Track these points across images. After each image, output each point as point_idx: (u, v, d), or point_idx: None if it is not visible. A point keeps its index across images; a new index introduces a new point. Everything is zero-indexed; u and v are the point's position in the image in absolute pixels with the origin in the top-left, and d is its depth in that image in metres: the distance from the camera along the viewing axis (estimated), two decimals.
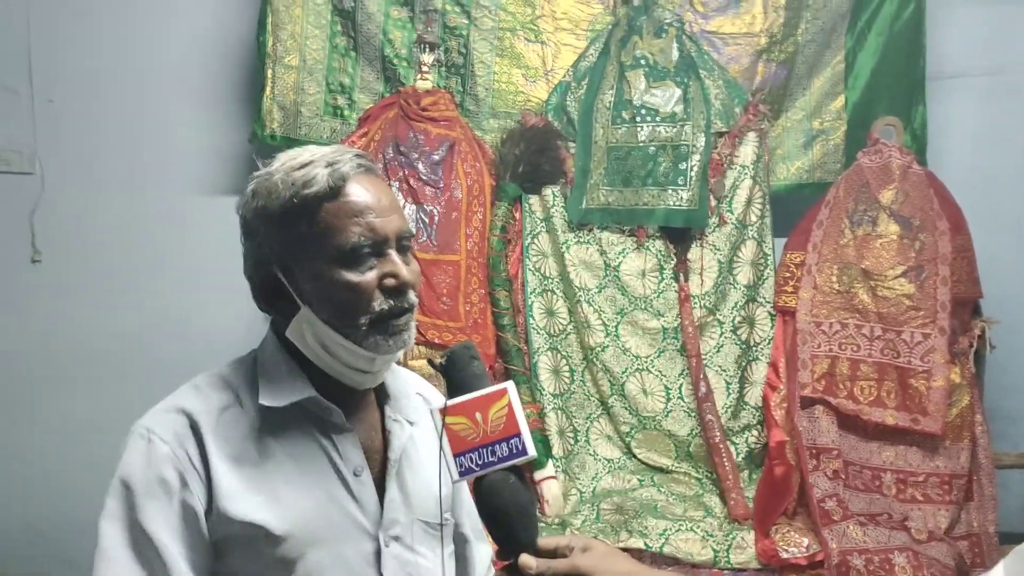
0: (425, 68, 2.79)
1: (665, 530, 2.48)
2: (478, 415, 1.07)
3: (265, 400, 1.14)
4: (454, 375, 1.11)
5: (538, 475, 2.61)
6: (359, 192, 1.13)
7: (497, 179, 2.78)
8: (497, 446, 1.06)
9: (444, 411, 1.07)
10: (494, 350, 2.73)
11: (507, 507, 1.06)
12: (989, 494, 2.60)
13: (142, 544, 1.07)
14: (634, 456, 2.75)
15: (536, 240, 2.82)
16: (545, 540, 1.09)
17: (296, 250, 1.13)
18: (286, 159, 1.16)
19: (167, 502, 1.08)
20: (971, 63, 3.04)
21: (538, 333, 2.78)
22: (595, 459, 2.74)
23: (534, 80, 2.91)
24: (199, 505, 1.09)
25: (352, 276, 1.11)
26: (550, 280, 2.81)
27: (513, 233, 2.80)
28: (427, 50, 2.81)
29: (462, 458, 1.06)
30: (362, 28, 2.85)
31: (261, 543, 1.10)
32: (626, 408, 2.75)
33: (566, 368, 2.79)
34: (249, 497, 1.10)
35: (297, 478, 1.13)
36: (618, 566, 1.10)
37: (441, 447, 1.07)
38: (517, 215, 2.81)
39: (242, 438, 1.13)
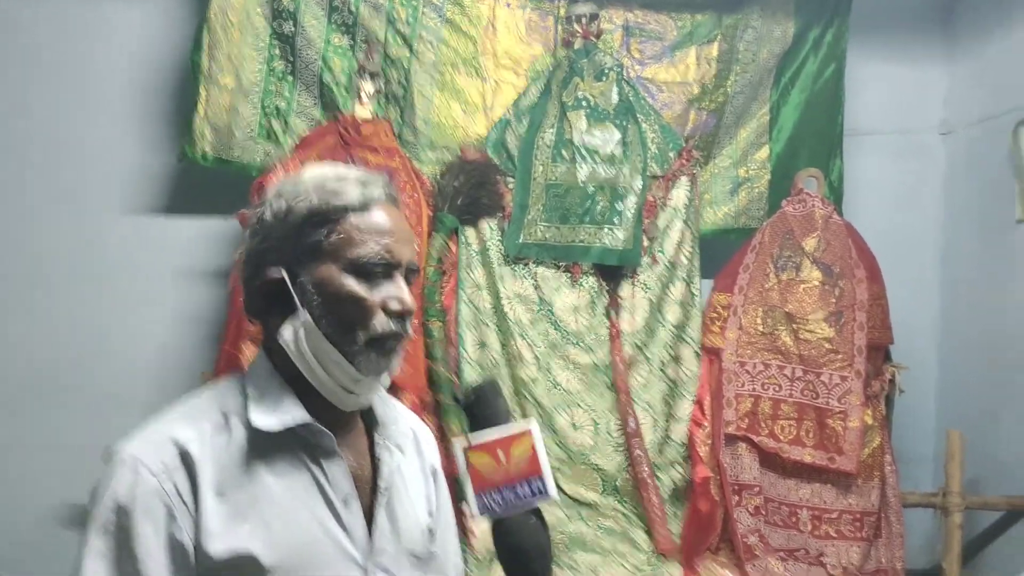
0: (365, 97, 2.78)
1: (594, 564, 2.50)
2: (501, 453, 1.07)
3: (258, 421, 1.10)
4: (479, 411, 1.11)
5: (465, 507, 2.59)
6: (384, 216, 1.15)
7: (435, 210, 2.78)
8: (519, 486, 1.06)
9: (467, 448, 1.06)
10: (424, 381, 2.70)
11: (527, 547, 1.06)
12: (897, 531, 2.72)
13: None
14: (561, 491, 2.76)
15: (471, 272, 2.83)
16: None
17: (309, 253, 1.12)
18: (316, 173, 1.17)
19: (154, 536, 1.04)
20: (884, 122, 3.23)
21: (470, 365, 2.78)
22: None
23: (472, 115, 2.93)
24: (188, 540, 1.05)
25: (360, 289, 1.11)
26: (484, 313, 2.82)
27: (448, 264, 2.80)
28: (368, 78, 2.80)
29: (483, 496, 1.05)
30: (301, 53, 2.82)
31: (248, 573, 1.07)
32: (555, 442, 2.77)
33: None
34: (237, 528, 1.07)
35: (286, 506, 1.10)
36: None
37: (461, 481, 1.06)
38: (453, 247, 2.82)
39: (231, 462, 1.09)
